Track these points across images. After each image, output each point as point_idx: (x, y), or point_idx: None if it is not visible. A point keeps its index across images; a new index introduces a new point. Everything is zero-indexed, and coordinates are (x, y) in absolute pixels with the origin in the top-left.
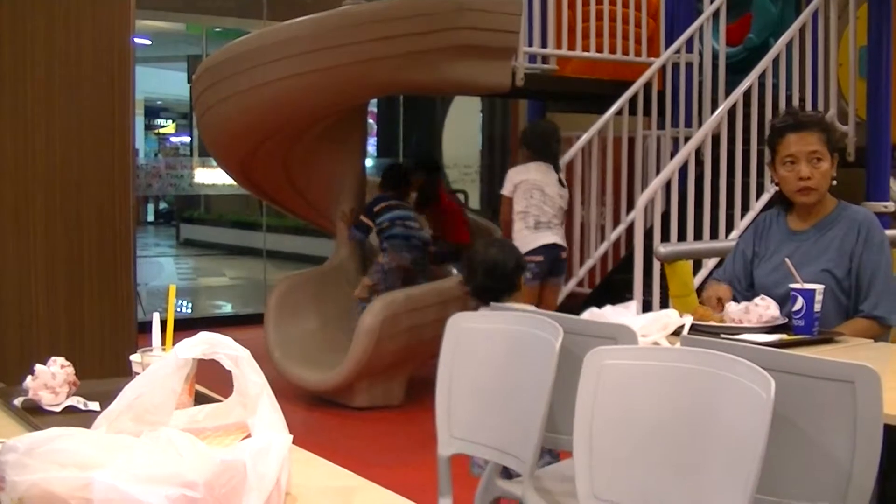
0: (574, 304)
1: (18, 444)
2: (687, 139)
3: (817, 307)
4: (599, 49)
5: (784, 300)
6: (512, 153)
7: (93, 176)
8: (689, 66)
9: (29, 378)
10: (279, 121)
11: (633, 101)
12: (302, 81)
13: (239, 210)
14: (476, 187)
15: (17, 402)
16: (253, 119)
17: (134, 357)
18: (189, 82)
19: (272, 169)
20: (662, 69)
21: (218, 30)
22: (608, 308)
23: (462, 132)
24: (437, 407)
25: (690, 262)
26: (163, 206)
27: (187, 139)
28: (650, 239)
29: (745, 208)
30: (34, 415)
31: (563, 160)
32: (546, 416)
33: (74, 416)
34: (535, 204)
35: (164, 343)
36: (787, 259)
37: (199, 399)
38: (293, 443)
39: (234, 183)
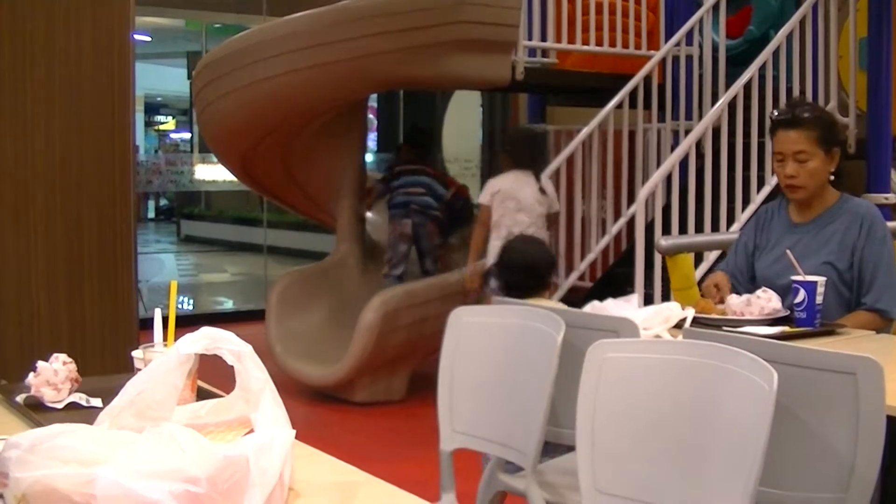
0: (575, 298)
1: (21, 441)
2: (687, 132)
3: (819, 299)
4: (599, 42)
5: (785, 292)
6: None
7: (93, 173)
8: (689, 58)
9: (31, 375)
10: (279, 116)
11: (633, 95)
12: (302, 77)
13: (239, 206)
14: (476, 182)
15: (20, 398)
16: (253, 115)
17: (136, 353)
18: (189, 79)
19: (272, 164)
20: (662, 62)
21: (217, 26)
22: (610, 301)
23: (462, 127)
24: (438, 402)
25: (692, 255)
26: (163, 202)
27: (187, 135)
28: (651, 232)
29: (746, 201)
30: (36, 411)
31: (564, 154)
32: (548, 409)
33: (77, 413)
34: (508, 214)
35: (165, 339)
36: (788, 251)
37: (202, 395)
38: (296, 438)
39: (235, 179)
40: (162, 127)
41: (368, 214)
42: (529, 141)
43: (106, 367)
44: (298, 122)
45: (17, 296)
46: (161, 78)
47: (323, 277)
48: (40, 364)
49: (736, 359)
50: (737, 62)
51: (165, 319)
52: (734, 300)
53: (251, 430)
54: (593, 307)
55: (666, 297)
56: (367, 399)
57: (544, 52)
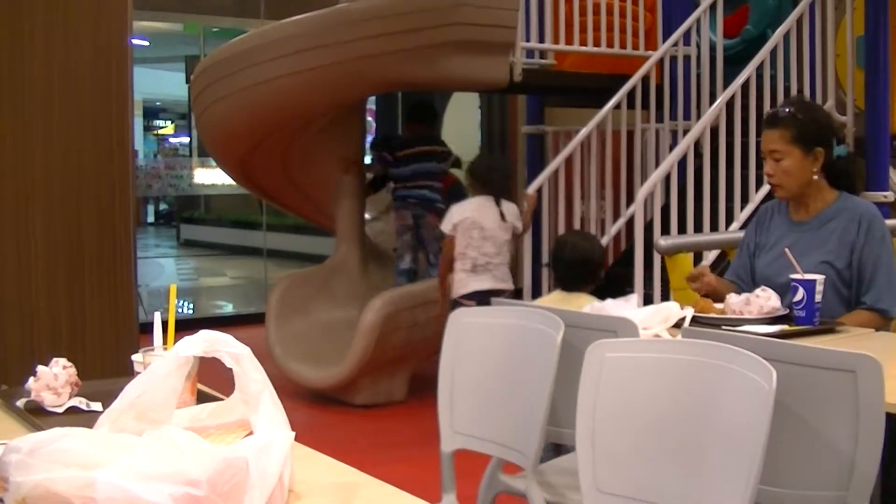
0: None
1: (21, 445)
2: (686, 132)
3: (818, 297)
4: (597, 43)
5: (784, 290)
6: (511, 150)
7: (92, 177)
8: (686, 58)
9: (31, 379)
10: (278, 119)
11: (631, 95)
12: (300, 79)
13: (239, 210)
14: None
15: (20, 403)
16: (251, 117)
17: (135, 357)
18: (187, 82)
19: (271, 167)
20: (660, 62)
21: (215, 29)
22: (609, 301)
23: (461, 128)
24: (439, 403)
25: (691, 255)
26: (163, 206)
27: (186, 140)
28: (650, 232)
29: (745, 200)
30: (37, 416)
31: (562, 155)
32: (548, 410)
33: (77, 417)
34: (474, 245)
35: (165, 342)
36: (786, 250)
37: (201, 397)
38: (295, 440)
39: (234, 183)
40: (161, 131)
41: (367, 216)
42: (491, 168)
43: (106, 371)
44: (297, 124)
45: (17, 300)
46: (159, 82)
47: (323, 280)
48: (40, 368)
49: (735, 357)
50: (734, 62)
51: (165, 323)
52: (733, 299)
53: (251, 433)
54: (593, 307)
55: (665, 297)
56: (368, 401)
57: (542, 54)
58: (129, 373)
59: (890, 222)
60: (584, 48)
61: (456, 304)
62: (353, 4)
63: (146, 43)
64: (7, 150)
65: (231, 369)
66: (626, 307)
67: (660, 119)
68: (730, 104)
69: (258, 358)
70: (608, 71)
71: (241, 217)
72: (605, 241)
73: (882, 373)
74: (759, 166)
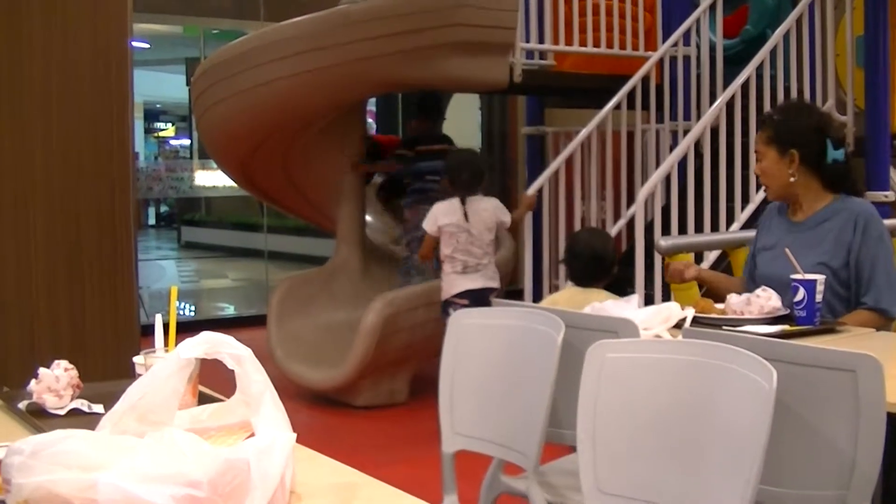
0: None
1: (23, 447)
2: (686, 132)
3: (819, 297)
4: (597, 44)
5: (783, 290)
6: (511, 150)
7: (93, 180)
8: (686, 59)
9: (33, 381)
10: (278, 120)
11: (631, 96)
12: (300, 81)
13: (240, 212)
14: None
15: (22, 405)
16: (252, 119)
17: (137, 359)
18: (188, 84)
19: (272, 169)
20: (660, 63)
21: (216, 31)
22: (610, 302)
23: (461, 129)
24: (440, 404)
25: (692, 255)
26: (164, 209)
27: (187, 142)
28: (651, 233)
29: (746, 200)
30: (38, 418)
31: (562, 156)
32: (549, 410)
33: (79, 419)
34: (460, 249)
35: (166, 344)
36: (787, 250)
37: (203, 399)
38: (297, 441)
39: (235, 185)
40: (161, 133)
41: (368, 219)
42: (461, 166)
43: (107, 374)
44: (297, 125)
45: (17, 303)
46: (160, 84)
47: (324, 281)
48: (42, 370)
49: (736, 358)
50: (734, 62)
51: (166, 325)
52: (734, 299)
53: (252, 434)
54: (593, 308)
55: (666, 298)
56: (369, 402)
57: (542, 54)
58: (130, 375)
59: (890, 222)
60: (583, 49)
61: (448, 303)
62: (353, 6)
63: (146, 45)
64: (6, 153)
65: (232, 371)
66: (626, 308)
67: (660, 119)
68: (730, 104)
69: (259, 359)
70: (608, 71)
71: (242, 219)
72: None
73: (883, 372)
74: None
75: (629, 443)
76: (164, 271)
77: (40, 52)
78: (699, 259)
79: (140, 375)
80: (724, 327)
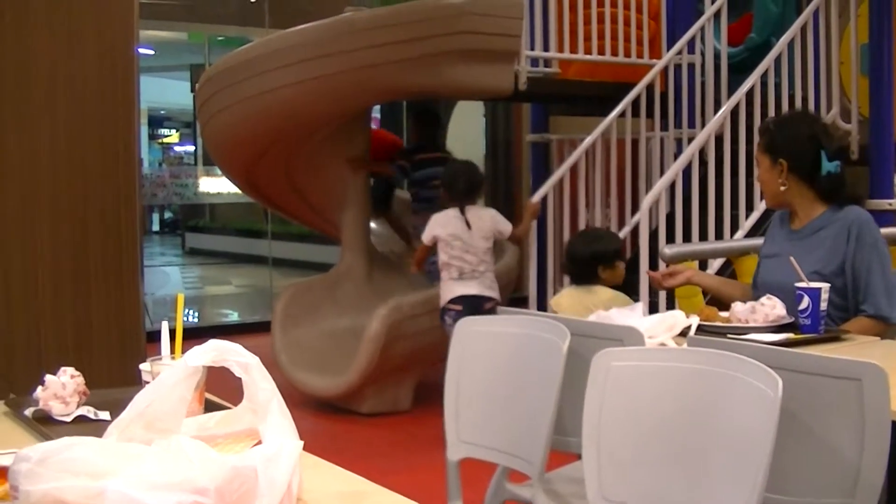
0: None
1: (31, 454)
2: (690, 140)
3: (823, 305)
4: (601, 51)
5: (783, 298)
6: (515, 158)
7: (98, 186)
8: (690, 66)
9: (39, 388)
10: (283, 127)
11: (635, 103)
12: (305, 88)
13: (244, 218)
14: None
15: (28, 412)
16: (257, 126)
17: (144, 366)
18: (192, 91)
19: (276, 175)
20: (664, 70)
21: (220, 38)
22: (615, 310)
23: (466, 137)
24: (445, 411)
25: (696, 263)
26: (168, 215)
27: (191, 148)
28: (655, 240)
29: (750, 208)
30: (45, 425)
31: (567, 163)
32: (554, 418)
33: (85, 426)
34: (455, 256)
35: (173, 351)
36: (792, 258)
37: (209, 407)
38: (302, 449)
39: (239, 191)
40: (166, 140)
41: (373, 226)
42: (455, 177)
43: (113, 380)
44: (302, 132)
45: (23, 310)
46: (164, 91)
47: (328, 288)
48: (48, 377)
49: (741, 366)
50: (738, 70)
51: (172, 332)
52: (739, 307)
53: (259, 442)
54: (598, 316)
55: (671, 306)
56: (374, 409)
57: (547, 62)
58: (136, 382)
59: (893, 230)
60: (588, 56)
61: (444, 310)
62: (358, 14)
63: (151, 52)
64: (13, 158)
65: (237, 378)
66: (631, 316)
67: (664, 127)
68: (734, 112)
69: (264, 367)
70: (612, 79)
71: (246, 225)
72: None
73: (888, 381)
74: None
75: (634, 450)
76: (167, 278)
77: (47, 58)
78: (703, 267)
79: (147, 382)
80: (729, 335)
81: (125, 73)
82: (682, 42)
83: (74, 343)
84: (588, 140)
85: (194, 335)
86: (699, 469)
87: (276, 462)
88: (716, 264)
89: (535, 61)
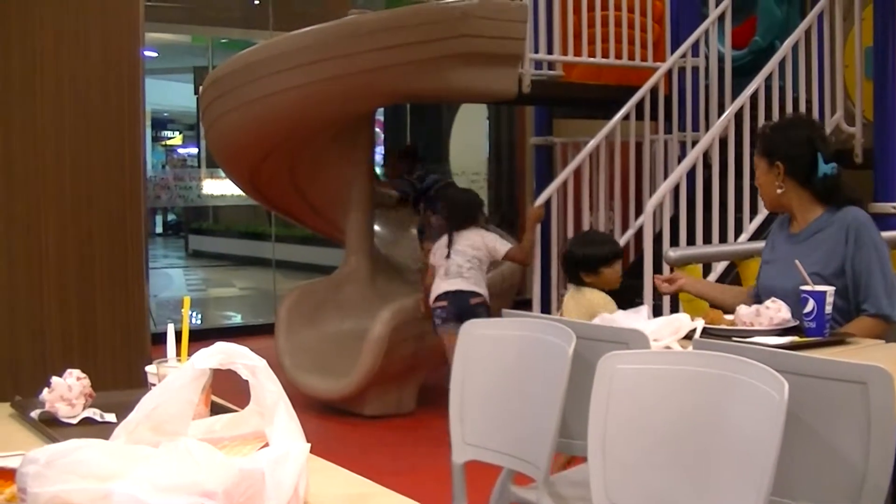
0: None
1: (38, 456)
2: (694, 143)
3: (828, 309)
4: (605, 54)
5: (788, 301)
6: (519, 161)
7: (103, 188)
8: (695, 70)
9: (45, 390)
10: (286, 130)
11: (639, 106)
12: (309, 91)
13: (247, 221)
14: (484, 195)
15: (34, 414)
16: (260, 129)
17: (150, 368)
18: (196, 94)
19: (280, 178)
20: (669, 73)
21: (224, 41)
22: (619, 313)
23: (469, 140)
24: (450, 414)
25: (700, 266)
26: (171, 217)
27: (195, 150)
28: (659, 243)
29: (754, 211)
30: (51, 427)
31: (571, 166)
32: (559, 421)
33: (91, 428)
34: (440, 260)
35: (178, 354)
36: (797, 262)
37: (215, 409)
38: None
39: (243, 193)
40: (169, 142)
41: (377, 228)
42: (459, 204)
43: (118, 383)
44: (305, 136)
45: (28, 312)
46: (168, 93)
47: (332, 291)
48: (54, 379)
49: (746, 369)
50: (742, 73)
51: (178, 334)
52: (744, 310)
53: (266, 444)
54: (603, 319)
55: (675, 309)
56: (377, 412)
57: (550, 65)
58: (141, 384)
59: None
60: (592, 59)
61: (433, 312)
62: (362, 16)
63: (155, 54)
64: (18, 162)
65: (242, 381)
66: (636, 319)
67: (668, 130)
68: (738, 115)
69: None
70: (616, 82)
71: (249, 228)
72: None
73: (893, 384)
74: None
75: (640, 454)
76: (171, 280)
77: (52, 61)
78: (707, 270)
79: (152, 385)
80: (734, 339)
81: (131, 77)
82: (686, 45)
83: (80, 345)
84: (592, 143)
85: (198, 337)
86: (705, 472)
87: (284, 464)
88: (720, 267)
89: (538, 64)
